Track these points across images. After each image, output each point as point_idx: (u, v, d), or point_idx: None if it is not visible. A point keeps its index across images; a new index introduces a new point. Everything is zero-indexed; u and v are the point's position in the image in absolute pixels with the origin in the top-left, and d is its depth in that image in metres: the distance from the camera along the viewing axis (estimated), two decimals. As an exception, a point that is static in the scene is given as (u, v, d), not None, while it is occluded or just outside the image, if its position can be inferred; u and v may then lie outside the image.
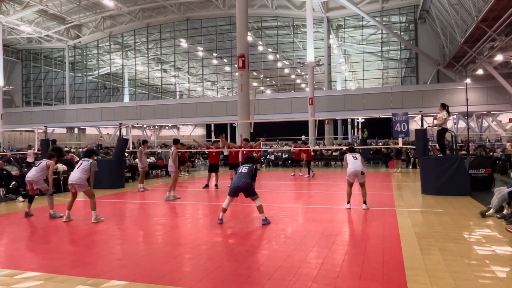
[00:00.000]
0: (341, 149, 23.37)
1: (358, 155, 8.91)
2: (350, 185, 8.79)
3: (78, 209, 8.98)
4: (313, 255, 5.21)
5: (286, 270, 4.56)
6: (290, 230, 6.78)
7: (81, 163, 7.98)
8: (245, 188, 7.19)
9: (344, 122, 54.44)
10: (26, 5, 35.89)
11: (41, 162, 8.33)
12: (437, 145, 14.38)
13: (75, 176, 7.79)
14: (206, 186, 13.17)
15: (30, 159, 15.26)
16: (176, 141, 11.17)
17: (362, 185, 8.77)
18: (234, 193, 7.28)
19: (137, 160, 14.14)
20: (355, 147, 9.94)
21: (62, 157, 14.34)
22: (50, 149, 13.72)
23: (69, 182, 7.86)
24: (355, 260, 4.93)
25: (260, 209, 7.23)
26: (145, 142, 13.87)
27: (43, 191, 8.41)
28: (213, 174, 13.63)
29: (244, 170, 7.34)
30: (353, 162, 8.64)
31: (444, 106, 10.74)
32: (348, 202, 8.79)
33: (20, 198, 10.57)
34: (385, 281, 4.19)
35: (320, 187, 13.64)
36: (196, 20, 41.80)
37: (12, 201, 10.56)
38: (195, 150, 24.04)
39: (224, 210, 7.35)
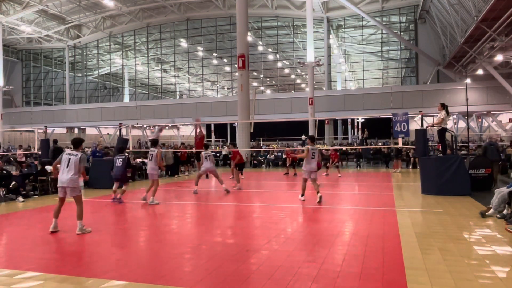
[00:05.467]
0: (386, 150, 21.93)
1: None
2: None
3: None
4: (313, 255, 5.21)
5: (286, 270, 4.56)
6: (290, 230, 6.77)
7: (69, 159, 6.56)
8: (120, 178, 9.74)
9: (344, 122, 54.46)
10: (26, 5, 35.87)
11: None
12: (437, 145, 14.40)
13: (65, 177, 6.51)
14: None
15: (20, 159, 15.33)
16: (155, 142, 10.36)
17: None
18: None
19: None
20: None
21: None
22: (51, 149, 13.72)
23: (59, 185, 6.60)
24: (355, 260, 4.92)
25: (121, 193, 9.70)
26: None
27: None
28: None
29: (119, 163, 9.54)
30: None
31: (443, 106, 10.76)
32: None
33: (20, 198, 10.57)
34: (385, 281, 4.19)
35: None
36: (196, 20, 41.78)
37: (12, 201, 10.56)
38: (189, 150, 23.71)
39: (123, 193, 9.82)
